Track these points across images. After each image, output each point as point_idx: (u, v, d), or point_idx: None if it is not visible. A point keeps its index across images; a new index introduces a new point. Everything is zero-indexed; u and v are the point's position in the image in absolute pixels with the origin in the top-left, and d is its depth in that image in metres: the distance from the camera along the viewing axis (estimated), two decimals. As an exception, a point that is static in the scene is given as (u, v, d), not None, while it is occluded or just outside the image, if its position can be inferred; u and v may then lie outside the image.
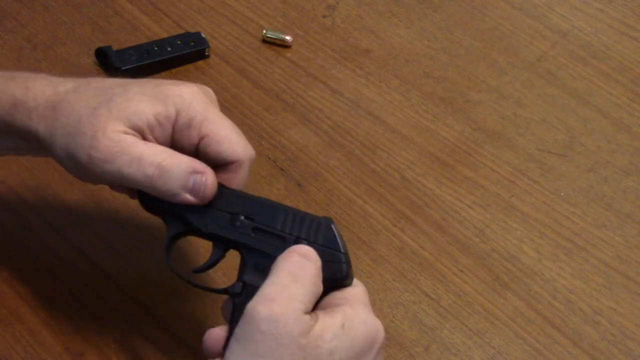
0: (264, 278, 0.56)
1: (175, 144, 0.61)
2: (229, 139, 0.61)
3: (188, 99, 0.61)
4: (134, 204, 0.63)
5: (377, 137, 0.85)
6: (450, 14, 0.98)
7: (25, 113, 0.61)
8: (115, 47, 0.88)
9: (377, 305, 0.72)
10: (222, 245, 0.61)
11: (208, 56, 0.91)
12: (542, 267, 0.77)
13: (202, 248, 0.71)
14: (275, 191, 0.80)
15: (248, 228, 0.60)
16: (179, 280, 0.63)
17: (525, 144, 0.86)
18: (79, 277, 0.72)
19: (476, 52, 0.95)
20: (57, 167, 0.63)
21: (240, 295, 0.58)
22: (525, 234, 0.79)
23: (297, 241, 0.59)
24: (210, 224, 0.61)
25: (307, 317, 0.54)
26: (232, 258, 0.62)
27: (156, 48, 0.89)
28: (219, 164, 0.62)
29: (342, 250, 0.59)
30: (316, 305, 0.57)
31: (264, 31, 0.93)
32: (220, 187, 0.61)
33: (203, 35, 0.91)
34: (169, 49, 0.89)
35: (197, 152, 0.61)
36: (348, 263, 0.59)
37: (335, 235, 0.59)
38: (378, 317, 0.58)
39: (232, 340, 0.54)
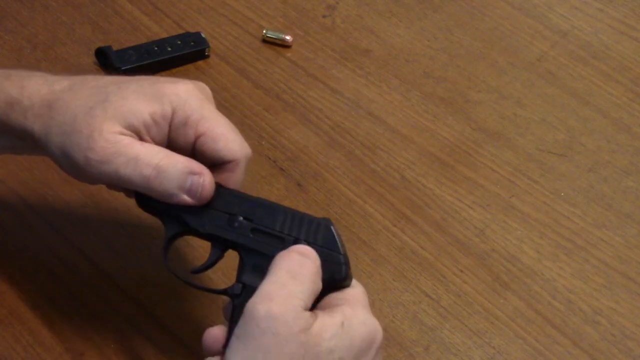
0: (263, 279, 0.56)
1: (171, 143, 0.61)
2: (225, 137, 0.61)
3: (184, 96, 0.61)
4: (134, 204, 0.63)
5: (377, 137, 0.85)
6: (450, 14, 0.98)
7: (20, 112, 0.61)
8: (115, 47, 0.88)
9: (377, 305, 0.72)
10: (220, 245, 0.61)
11: (208, 56, 0.91)
12: (542, 267, 0.77)
13: (201, 248, 0.71)
14: (275, 191, 0.80)
15: (246, 229, 0.60)
16: (178, 280, 0.63)
17: (525, 144, 0.86)
18: (79, 277, 0.72)
19: (476, 52, 0.95)
20: (57, 167, 0.63)
21: (240, 296, 0.58)
22: (525, 234, 0.79)
23: (296, 242, 0.59)
24: (208, 225, 0.61)
25: (307, 314, 0.55)
26: (231, 258, 0.62)
27: (156, 48, 0.89)
28: (215, 163, 0.61)
29: (341, 251, 0.59)
30: (315, 306, 0.57)
31: (264, 31, 0.93)
32: (218, 187, 0.61)
33: (203, 35, 0.91)
34: (169, 49, 0.89)
35: (193, 150, 0.61)
36: (347, 264, 0.59)
37: (334, 236, 0.59)
38: (378, 317, 0.58)
39: (233, 339, 0.54)
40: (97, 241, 0.74)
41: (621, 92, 0.92)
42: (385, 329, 0.58)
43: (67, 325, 0.69)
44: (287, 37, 0.92)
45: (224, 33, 0.93)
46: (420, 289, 0.74)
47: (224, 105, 0.86)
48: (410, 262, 0.76)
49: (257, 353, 0.53)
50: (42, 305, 0.69)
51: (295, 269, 0.56)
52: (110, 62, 0.87)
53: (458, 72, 0.92)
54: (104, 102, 0.60)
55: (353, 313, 0.56)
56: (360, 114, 0.87)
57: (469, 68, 0.93)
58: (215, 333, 0.58)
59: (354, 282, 0.60)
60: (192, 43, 0.90)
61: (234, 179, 0.62)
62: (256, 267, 0.58)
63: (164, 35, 0.91)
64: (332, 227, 0.59)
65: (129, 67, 0.86)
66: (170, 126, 0.60)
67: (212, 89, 0.64)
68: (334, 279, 0.58)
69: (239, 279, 0.59)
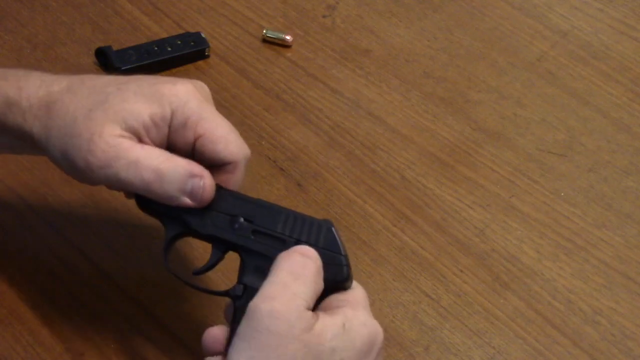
0: (264, 280, 0.56)
1: (171, 144, 0.61)
2: (225, 138, 0.61)
3: (183, 97, 0.60)
4: (134, 204, 0.63)
5: (377, 137, 0.85)
6: (450, 14, 0.98)
7: (19, 113, 0.61)
8: (115, 47, 0.88)
9: (377, 305, 0.72)
10: (221, 247, 0.61)
11: (208, 56, 0.91)
12: (542, 267, 0.77)
13: (200, 248, 0.71)
14: (275, 191, 0.80)
15: (247, 230, 0.60)
16: (179, 281, 0.63)
17: (525, 144, 0.86)
18: (79, 277, 0.72)
19: (476, 52, 0.95)
20: (57, 167, 0.63)
21: (241, 298, 0.58)
22: (525, 234, 0.79)
23: (298, 244, 0.59)
24: (209, 226, 0.61)
25: (309, 314, 0.55)
26: (231, 258, 0.62)
27: (156, 48, 0.89)
28: (215, 164, 0.61)
29: (342, 252, 0.59)
30: (317, 306, 0.57)
31: (264, 31, 0.93)
32: (219, 188, 0.61)
33: (203, 35, 0.91)
34: (169, 49, 0.89)
35: (193, 151, 0.61)
36: (348, 265, 0.59)
37: (335, 238, 0.59)
38: (378, 317, 0.58)
39: (236, 339, 0.54)
40: (97, 241, 0.74)
41: (621, 92, 0.92)
42: (385, 329, 0.58)
43: (67, 325, 0.69)
44: (287, 37, 0.92)
45: (224, 33, 0.93)
46: (420, 289, 0.74)
47: (224, 105, 0.86)
48: (410, 262, 0.76)
49: (260, 352, 0.53)
50: (42, 305, 0.69)
51: (297, 269, 0.56)
52: (110, 62, 0.87)
53: (458, 72, 0.92)
54: (104, 103, 0.59)
55: (354, 314, 0.56)
56: (360, 114, 0.87)
57: (469, 68, 0.93)
58: (215, 333, 0.58)
59: (355, 283, 0.60)
60: (192, 43, 0.90)
61: (234, 180, 0.62)
62: (257, 268, 0.58)
63: (164, 35, 0.91)
64: (333, 229, 0.60)
65: (129, 67, 0.86)
66: (169, 128, 0.60)
67: (212, 89, 0.64)
68: (335, 280, 0.58)
69: (240, 280, 0.59)
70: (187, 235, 0.62)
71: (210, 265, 0.61)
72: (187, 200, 0.60)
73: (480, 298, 0.74)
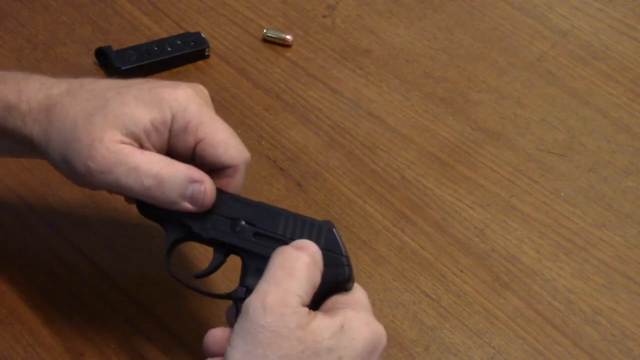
0: None
1: (171, 149, 0.61)
2: (225, 143, 0.61)
3: (183, 102, 0.61)
4: (134, 205, 0.63)
5: (377, 137, 0.85)
6: (450, 14, 0.98)
7: (18, 117, 0.61)
8: (115, 47, 0.88)
9: (377, 305, 0.72)
10: (223, 250, 0.61)
11: (208, 56, 0.91)
12: (542, 267, 0.77)
13: (200, 249, 0.70)
14: (275, 191, 0.80)
15: (249, 233, 0.60)
16: (181, 284, 0.63)
17: (525, 144, 0.86)
18: (79, 277, 0.72)
19: (476, 52, 0.95)
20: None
21: (244, 300, 0.58)
22: (525, 234, 0.79)
23: None
24: (210, 230, 0.61)
25: (305, 310, 0.55)
26: (233, 260, 0.62)
27: (156, 48, 0.89)
28: (215, 168, 0.61)
29: (343, 253, 0.59)
30: (318, 308, 0.58)
31: (265, 30, 0.93)
32: (220, 192, 0.61)
33: (203, 35, 0.91)
34: (169, 49, 0.89)
35: (193, 155, 0.61)
36: (349, 266, 0.59)
37: (336, 239, 0.59)
38: (378, 317, 0.58)
39: (233, 336, 0.54)
40: (97, 241, 0.74)
41: (621, 92, 0.92)
42: (385, 329, 0.58)
43: (67, 325, 0.69)
44: (288, 37, 0.92)
45: (224, 33, 0.93)
46: (420, 289, 0.74)
47: (224, 105, 0.86)
48: (410, 262, 0.76)
49: (256, 349, 0.53)
50: (42, 305, 0.69)
51: (290, 263, 0.56)
52: (110, 62, 0.87)
53: (458, 72, 0.92)
54: (104, 108, 0.59)
55: (356, 315, 0.56)
56: (360, 114, 0.87)
57: (469, 68, 0.93)
58: (217, 334, 0.58)
59: (357, 285, 0.60)
60: (192, 43, 0.90)
61: (234, 184, 0.62)
62: (259, 270, 0.58)
63: (164, 35, 0.91)
64: (334, 230, 0.60)
65: (129, 67, 0.86)
66: (170, 132, 0.60)
67: (212, 89, 0.64)
68: (336, 280, 0.59)
69: (242, 282, 0.59)
70: (188, 239, 0.62)
71: (212, 269, 0.62)
72: (187, 206, 0.60)
73: (480, 298, 0.74)
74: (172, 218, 0.61)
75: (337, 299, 0.58)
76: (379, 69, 0.91)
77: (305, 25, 0.95)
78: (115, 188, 0.60)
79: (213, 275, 0.63)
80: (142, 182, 0.59)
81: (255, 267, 0.59)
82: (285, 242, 0.59)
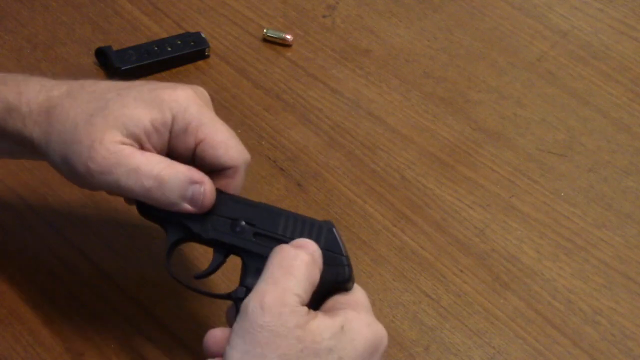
0: None
1: (172, 149, 0.61)
2: (225, 144, 0.61)
3: (184, 103, 0.61)
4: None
5: (377, 137, 0.85)
6: (450, 14, 0.98)
7: (19, 119, 0.61)
8: (115, 47, 0.88)
9: (377, 305, 0.72)
10: (223, 250, 0.61)
11: (208, 56, 0.91)
12: (542, 267, 0.77)
13: (200, 249, 0.70)
14: (275, 191, 0.80)
15: (249, 233, 0.60)
16: (181, 285, 0.63)
17: (525, 144, 0.86)
18: (79, 277, 0.72)
19: (476, 52, 0.95)
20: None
21: (244, 300, 0.58)
22: (525, 234, 0.79)
23: None
24: (210, 230, 0.61)
25: (303, 310, 0.55)
26: (233, 260, 0.62)
27: (156, 48, 0.89)
28: (215, 169, 0.61)
29: (343, 253, 0.59)
30: (318, 308, 0.58)
31: (265, 30, 0.93)
32: (219, 193, 0.61)
33: (203, 35, 0.91)
34: (169, 49, 0.89)
35: (193, 156, 0.61)
36: (349, 266, 0.59)
37: (336, 239, 0.59)
38: (378, 317, 0.58)
39: (232, 336, 0.54)
40: (97, 241, 0.74)
41: (621, 92, 0.92)
42: (385, 329, 0.58)
43: (67, 325, 0.69)
44: (288, 36, 0.92)
45: (224, 33, 0.93)
46: (420, 289, 0.74)
47: (224, 105, 0.86)
48: (410, 262, 0.76)
49: (255, 348, 0.53)
50: (42, 305, 0.69)
51: (289, 262, 0.56)
52: (110, 62, 0.87)
53: (458, 72, 0.92)
54: (104, 109, 0.60)
55: (357, 316, 0.56)
56: (360, 114, 0.87)
57: (469, 68, 0.93)
58: (216, 334, 0.58)
59: (356, 286, 0.60)
60: (192, 43, 0.90)
61: (234, 185, 0.62)
62: (259, 270, 0.58)
63: (164, 35, 0.91)
64: (334, 230, 0.60)
65: (129, 67, 0.86)
66: (170, 133, 0.61)
67: (212, 89, 0.65)
68: (336, 280, 0.59)
69: (242, 282, 0.59)
70: (188, 240, 0.62)
71: (212, 269, 0.62)
72: (187, 207, 0.60)
73: (480, 298, 0.74)
74: (172, 219, 0.61)
75: (337, 299, 0.58)
76: (379, 69, 0.91)
77: (305, 25, 0.95)
78: (116, 189, 0.60)
79: (213, 276, 0.63)
80: (142, 183, 0.59)
81: (255, 267, 0.59)
82: (285, 242, 0.59)
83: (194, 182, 0.59)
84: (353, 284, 0.59)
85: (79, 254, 0.73)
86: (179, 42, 0.90)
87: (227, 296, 0.60)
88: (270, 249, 0.58)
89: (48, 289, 0.71)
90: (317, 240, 0.59)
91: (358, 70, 0.91)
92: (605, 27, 0.99)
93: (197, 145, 0.61)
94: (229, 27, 0.94)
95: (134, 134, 0.59)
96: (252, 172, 0.77)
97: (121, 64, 0.86)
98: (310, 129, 0.85)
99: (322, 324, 0.55)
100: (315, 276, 0.57)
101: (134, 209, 0.63)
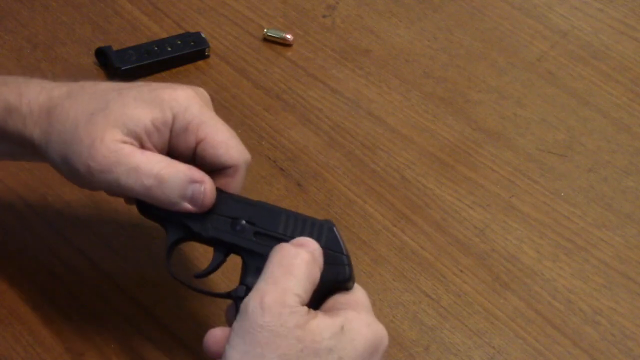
0: None
1: (172, 149, 0.61)
2: (226, 143, 0.61)
3: (184, 102, 0.61)
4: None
5: (377, 137, 0.85)
6: (450, 14, 0.98)
7: (19, 119, 0.61)
8: (115, 47, 0.88)
9: (377, 305, 0.72)
10: (223, 249, 0.61)
11: (208, 56, 0.91)
12: (542, 267, 0.77)
13: (200, 249, 0.70)
14: (275, 191, 0.80)
15: (249, 232, 0.60)
16: (181, 284, 0.63)
17: (525, 144, 0.86)
18: (79, 277, 0.72)
19: (476, 52, 0.95)
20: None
21: (244, 299, 0.58)
22: (525, 234, 0.79)
23: None
24: (210, 230, 0.61)
25: (303, 309, 0.55)
26: (233, 259, 0.62)
27: (156, 48, 0.89)
28: (215, 169, 0.62)
29: (344, 252, 0.59)
30: (318, 308, 0.58)
31: (265, 30, 0.93)
32: (220, 192, 0.61)
33: (203, 35, 0.91)
34: (169, 49, 0.89)
35: (194, 156, 0.61)
36: (350, 265, 0.59)
37: (337, 238, 0.60)
38: (378, 317, 0.58)
39: (232, 335, 0.54)
40: (97, 241, 0.74)
41: (621, 92, 0.92)
42: (385, 329, 0.58)
43: (67, 325, 0.69)
44: (288, 36, 0.92)
45: (224, 33, 0.93)
46: (420, 289, 0.74)
47: (224, 105, 0.86)
48: (410, 262, 0.76)
49: (254, 348, 0.53)
50: (42, 305, 0.69)
51: (289, 261, 0.56)
52: (110, 62, 0.87)
53: (458, 72, 0.92)
54: (105, 109, 0.60)
55: (357, 316, 0.56)
56: (360, 114, 0.87)
57: (469, 68, 0.93)
58: (217, 334, 0.58)
59: (357, 286, 0.60)
60: (192, 43, 0.90)
61: (234, 184, 0.62)
62: (259, 269, 0.58)
63: (164, 35, 0.91)
64: (334, 229, 0.60)
65: (129, 67, 0.86)
66: (171, 132, 0.61)
67: (212, 89, 0.65)
68: (337, 280, 0.59)
69: (242, 281, 0.59)
70: (189, 239, 0.62)
71: (213, 268, 0.62)
72: (187, 206, 0.60)
73: (480, 298, 0.74)
74: (172, 218, 0.61)
75: (337, 299, 0.58)
76: (379, 69, 0.91)
77: (305, 25, 0.95)
78: (116, 188, 0.60)
79: (213, 275, 0.63)
80: (142, 182, 0.59)
81: (255, 266, 0.59)
82: (286, 241, 0.59)
83: (194, 181, 0.59)
84: (354, 283, 0.59)
85: (79, 254, 0.73)
86: (179, 42, 0.90)
87: (227, 295, 0.60)
88: (271, 248, 0.58)
89: (48, 289, 0.71)
90: (317, 239, 0.59)
91: (358, 70, 0.91)
92: (605, 27, 0.99)
93: (197, 144, 0.61)
94: (229, 27, 0.94)
95: (134, 133, 0.59)
96: (252, 172, 0.77)
97: (121, 64, 0.86)
98: (310, 129, 0.85)
99: (322, 323, 0.55)
100: (316, 275, 0.57)
101: (134, 209, 0.63)
